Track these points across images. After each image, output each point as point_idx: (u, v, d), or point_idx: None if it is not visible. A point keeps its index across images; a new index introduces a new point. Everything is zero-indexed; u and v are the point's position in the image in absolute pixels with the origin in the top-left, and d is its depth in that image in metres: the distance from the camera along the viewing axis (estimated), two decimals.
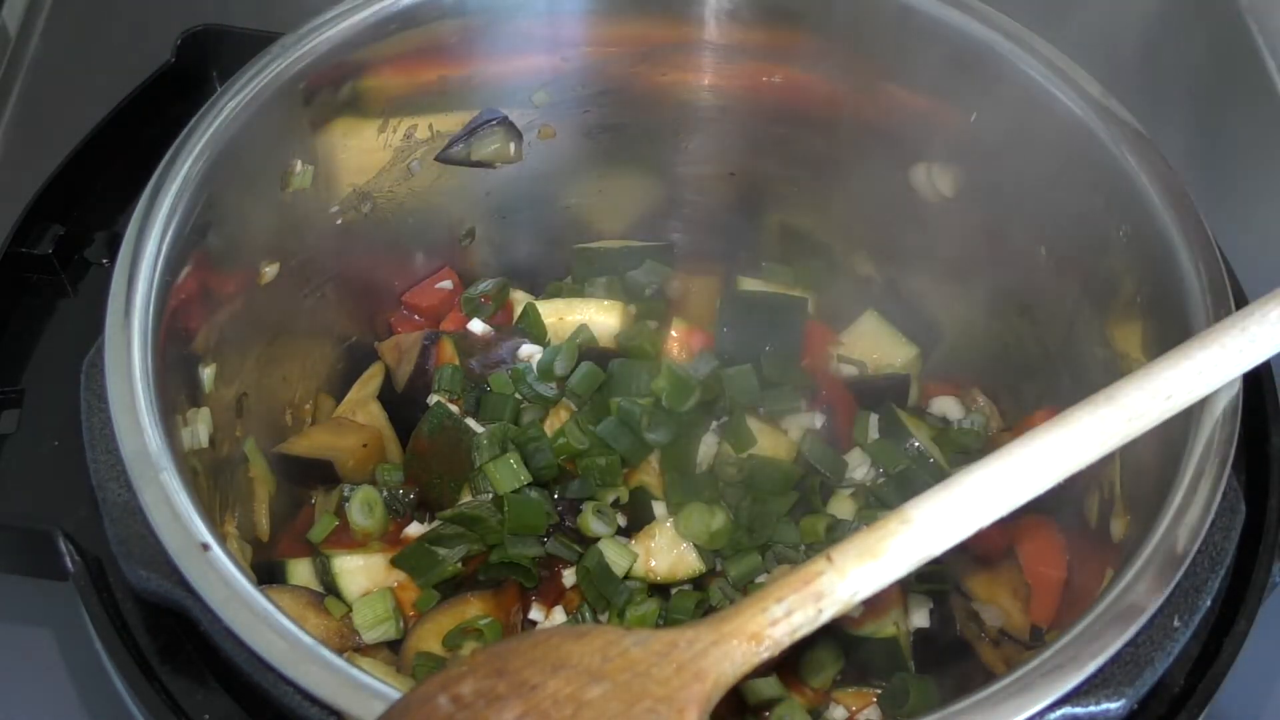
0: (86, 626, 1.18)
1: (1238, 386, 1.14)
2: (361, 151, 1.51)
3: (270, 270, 1.45)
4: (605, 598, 1.44)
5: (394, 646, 1.43)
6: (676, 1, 1.52)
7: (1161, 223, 1.27)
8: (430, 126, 1.55)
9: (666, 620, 1.43)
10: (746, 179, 1.69)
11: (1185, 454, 1.12)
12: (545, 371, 1.56)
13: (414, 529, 1.50)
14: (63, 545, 1.19)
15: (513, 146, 1.61)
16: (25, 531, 1.21)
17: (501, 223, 1.70)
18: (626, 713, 0.90)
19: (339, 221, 1.53)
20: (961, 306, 1.60)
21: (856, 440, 1.59)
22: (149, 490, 1.08)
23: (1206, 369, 1.07)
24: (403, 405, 1.59)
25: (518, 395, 1.55)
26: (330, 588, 1.43)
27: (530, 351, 1.59)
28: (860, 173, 1.58)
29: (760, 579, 1.46)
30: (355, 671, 1.00)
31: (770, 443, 1.57)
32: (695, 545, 1.46)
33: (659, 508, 1.50)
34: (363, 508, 1.48)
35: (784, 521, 1.50)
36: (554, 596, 1.48)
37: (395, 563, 1.44)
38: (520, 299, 1.69)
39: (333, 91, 1.42)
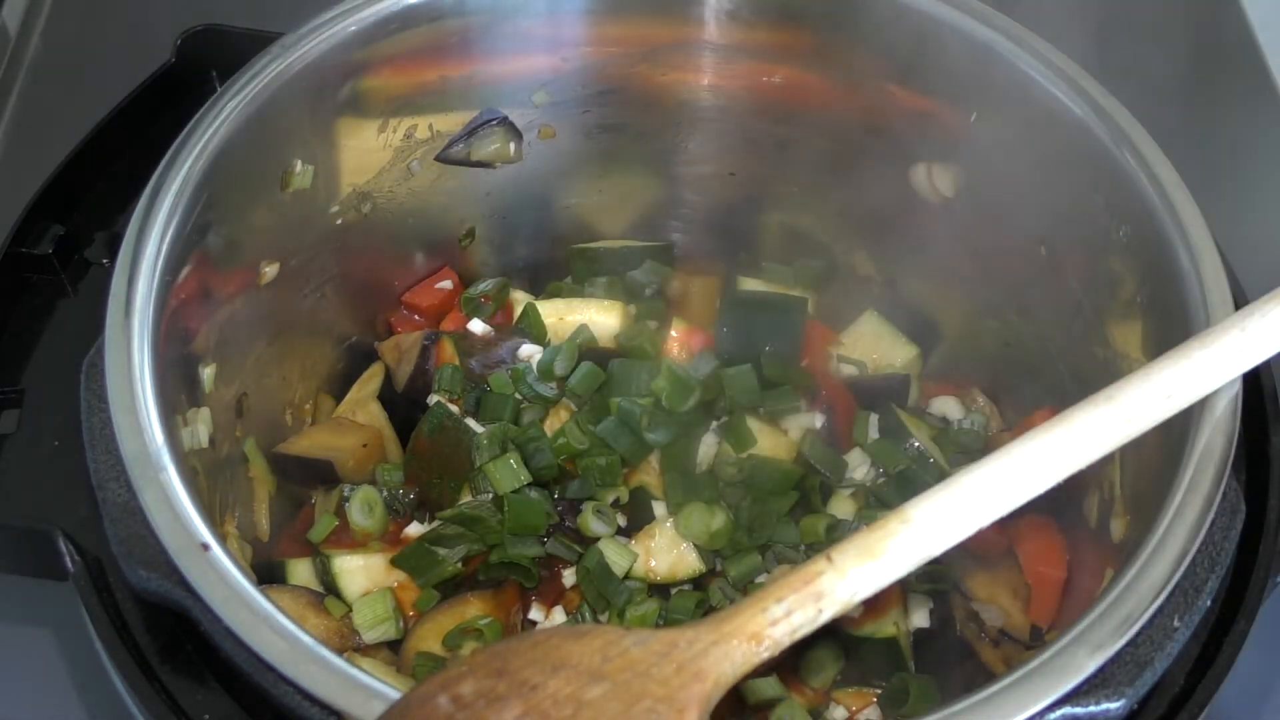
0: (86, 626, 1.19)
1: (1238, 386, 1.14)
2: (361, 151, 1.51)
3: (270, 270, 1.45)
4: (605, 598, 1.44)
5: (394, 646, 1.43)
6: (676, 1, 1.52)
7: (1161, 223, 1.27)
8: (430, 126, 1.55)
9: (666, 620, 1.43)
10: (746, 179, 1.69)
11: (1185, 454, 1.12)
12: (545, 371, 1.56)
13: (414, 529, 1.50)
14: (63, 545, 1.19)
15: (513, 146, 1.61)
16: (25, 531, 1.21)
17: (501, 223, 1.70)
18: (626, 713, 0.90)
19: (339, 221, 1.53)
20: (962, 306, 1.60)
21: (856, 440, 1.59)
22: (149, 490, 1.08)
23: (1206, 369, 1.07)
24: (403, 405, 1.59)
25: (518, 395, 1.55)
26: (330, 588, 1.43)
27: (530, 351, 1.59)
28: (860, 173, 1.58)
29: (760, 579, 1.46)
30: (355, 671, 1.00)
31: (770, 443, 1.57)
32: (695, 545, 1.46)
33: (659, 508, 1.50)
34: (363, 508, 1.49)
35: (784, 521, 1.50)
36: (554, 596, 1.48)
37: (395, 563, 1.44)
38: (520, 299, 1.69)
39: (333, 91, 1.42)
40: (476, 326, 1.63)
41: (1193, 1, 2.15)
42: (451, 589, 1.45)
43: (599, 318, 1.63)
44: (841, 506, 1.54)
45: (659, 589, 1.47)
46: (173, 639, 1.15)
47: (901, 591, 1.46)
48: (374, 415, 1.60)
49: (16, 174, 1.80)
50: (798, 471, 1.54)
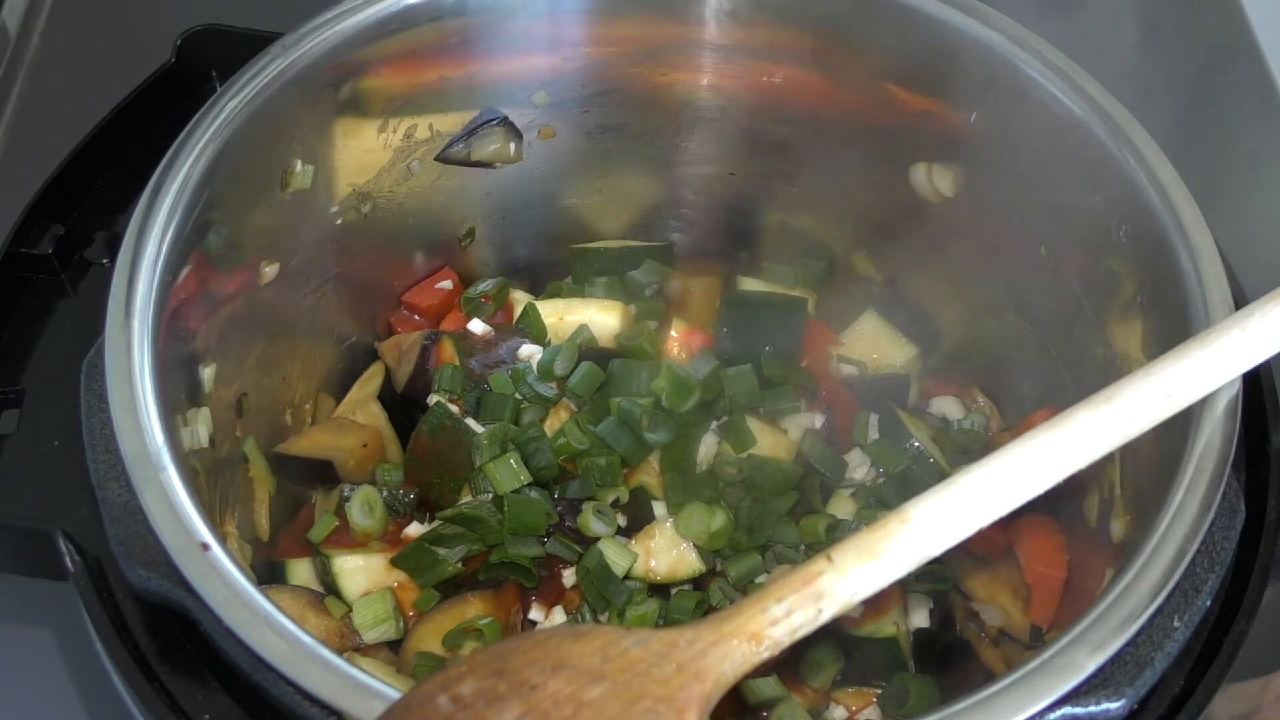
0: (86, 626, 1.19)
1: (1238, 386, 1.14)
2: (361, 151, 1.51)
3: (270, 270, 1.45)
4: (605, 598, 1.44)
5: (394, 646, 1.43)
6: (676, 1, 1.51)
7: (1161, 223, 1.27)
8: (430, 126, 1.55)
9: (666, 620, 1.43)
10: (746, 179, 1.69)
11: (1185, 454, 1.12)
12: (545, 371, 1.56)
13: (414, 529, 1.50)
14: (63, 545, 1.19)
15: (513, 146, 1.61)
16: (25, 531, 1.21)
17: (501, 223, 1.70)
18: (626, 713, 0.90)
19: (339, 221, 1.53)
20: (961, 306, 1.60)
21: (856, 440, 1.59)
22: (149, 490, 1.08)
23: (1206, 369, 1.07)
24: (403, 405, 1.59)
25: (518, 395, 1.55)
26: (330, 588, 1.43)
27: (530, 351, 1.59)
28: (860, 173, 1.58)
29: (760, 579, 1.46)
30: (355, 671, 1.00)
31: (770, 443, 1.57)
32: (695, 545, 1.46)
33: (659, 508, 1.50)
34: (363, 508, 1.49)
35: (784, 521, 1.50)
36: (554, 596, 1.48)
37: (395, 563, 1.44)
38: (520, 299, 1.69)
39: (333, 91, 1.42)
40: (476, 326, 1.63)
41: (1193, 1, 2.15)
42: (451, 589, 1.45)
43: (599, 318, 1.63)
44: (841, 506, 1.54)
45: (659, 589, 1.47)
46: (173, 639, 1.15)
47: (901, 591, 1.46)
48: (374, 415, 1.60)
49: (16, 174, 1.80)
50: (798, 471, 1.55)
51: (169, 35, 1.57)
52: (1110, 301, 1.36)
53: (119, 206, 1.45)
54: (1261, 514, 1.25)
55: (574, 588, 1.48)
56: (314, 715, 1.02)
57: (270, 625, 1.02)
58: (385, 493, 1.52)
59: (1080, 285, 1.41)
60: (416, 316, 1.69)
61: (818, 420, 1.61)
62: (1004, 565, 1.45)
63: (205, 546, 1.05)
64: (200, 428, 1.30)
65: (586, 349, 1.58)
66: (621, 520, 1.50)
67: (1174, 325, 1.22)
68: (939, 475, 1.45)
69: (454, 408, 1.52)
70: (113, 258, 1.23)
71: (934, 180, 1.53)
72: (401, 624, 1.42)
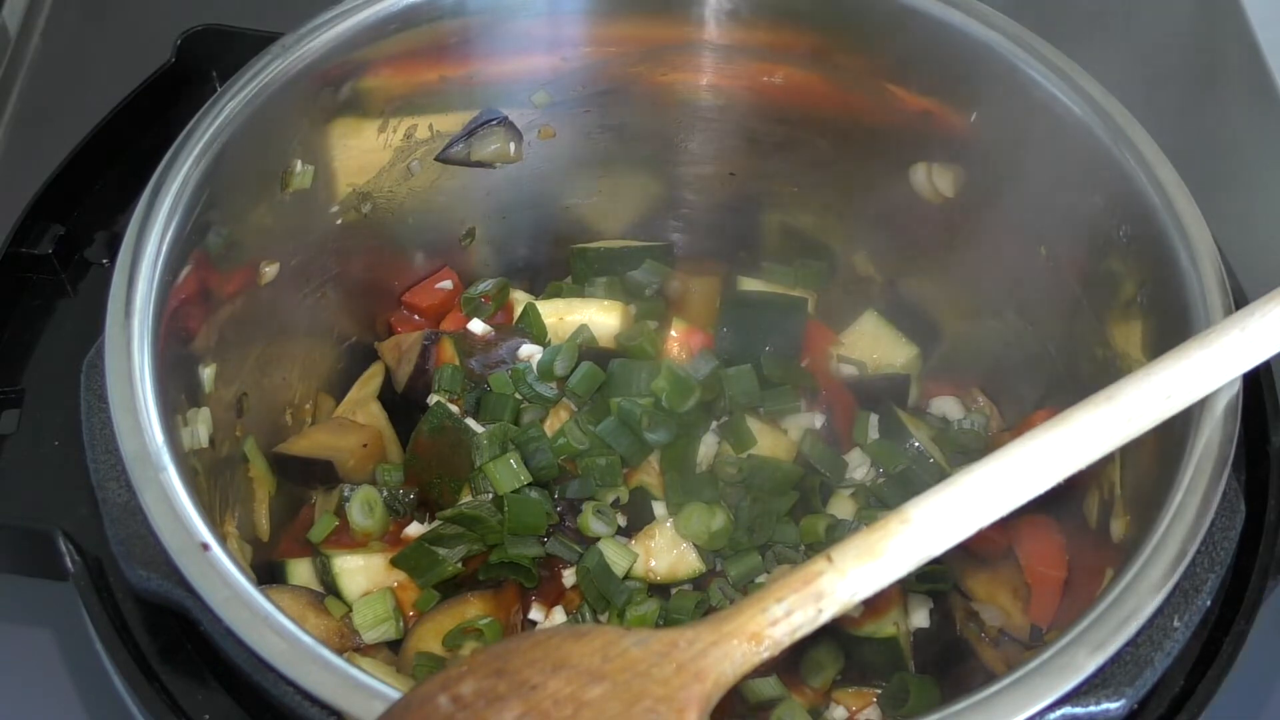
0: (86, 626, 1.19)
1: (1238, 386, 1.14)
2: (361, 151, 1.51)
3: (270, 270, 1.45)
4: (605, 598, 1.44)
5: (394, 646, 1.43)
6: (676, 1, 1.51)
7: (1161, 223, 1.27)
8: (430, 126, 1.55)
9: (666, 620, 1.43)
10: (746, 179, 1.69)
11: (1185, 454, 1.12)
12: (545, 371, 1.56)
13: (414, 529, 1.50)
14: (63, 545, 1.19)
15: (513, 146, 1.61)
16: (25, 531, 1.22)
17: (501, 223, 1.70)
18: (626, 713, 0.90)
19: (339, 221, 1.53)
20: (961, 306, 1.60)
21: (856, 440, 1.59)
22: (149, 490, 1.08)
23: (1206, 369, 1.07)
24: (403, 405, 1.59)
25: (518, 395, 1.55)
26: (330, 588, 1.43)
27: (530, 351, 1.59)
28: (860, 173, 1.58)
29: (760, 579, 1.47)
30: (355, 671, 1.00)
31: (770, 443, 1.57)
32: (695, 545, 1.46)
33: (659, 508, 1.50)
34: (363, 508, 1.49)
35: (784, 521, 1.50)
36: (554, 596, 1.48)
37: (395, 563, 1.44)
38: (520, 299, 1.69)
39: (333, 91, 1.42)
40: (476, 326, 1.63)
41: (1193, 1, 2.15)
42: (451, 589, 1.45)
43: (599, 318, 1.63)
44: (841, 506, 1.55)
45: (659, 589, 1.47)
46: (173, 639, 1.15)
47: (901, 591, 1.46)
48: (374, 415, 1.60)
49: (16, 174, 1.80)
50: (798, 471, 1.55)
51: (169, 35, 1.57)
52: (1110, 301, 1.36)
53: (119, 206, 1.45)
54: (1261, 514, 1.25)
55: (574, 588, 1.48)
56: (314, 715, 1.02)
57: (270, 625, 1.02)
58: (385, 493, 1.52)
59: (1080, 285, 1.41)
60: (416, 316, 1.69)
61: (818, 420, 1.61)
62: (1004, 565, 1.46)
63: (205, 546, 1.05)
64: (200, 428, 1.30)
65: (586, 349, 1.58)
66: (621, 520, 1.50)
67: (1174, 325, 1.22)
68: (939, 475, 1.45)
69: (454, 408, 1.52)
70: (113, 258, 1.23)
71: (934, 180, 1.53)
72: (401, 624, 1.42)
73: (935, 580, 1.46)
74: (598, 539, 1.46)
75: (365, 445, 1.54)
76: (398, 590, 1.44)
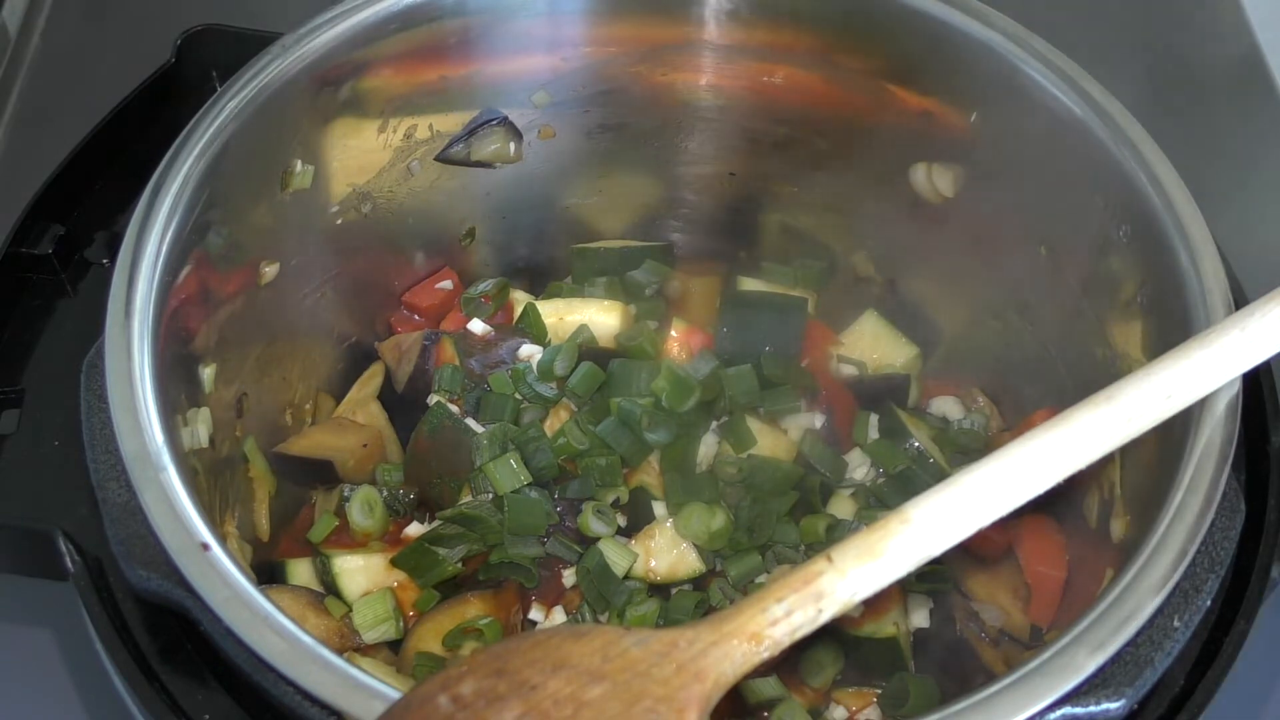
0: (86, 626, 1.19)
1: (1238, 386, 1.14)
2: (361, 151, 1.51)
3: (270, 270, 1.45)
4: (605, 598, 1.44)
5: (394, 646, 1.43)
6: (676, 1, 1.51)
7: (1161, 223, 1.27)
8: (430, 126, 1.55)
9: (666, 620, 1.43)
10: (746, 179, 1.69)
11: (1185, 454, 1.12)
12: (545, 371, 1.56)
13: (414, 529, 1.50)
14: (63, 545, 1.19)
15: (513, 146, 1.61)
16: (25, 531, 1.22)
17: (501, 223, 1.70)
18: (626, 713, 0.90)
19: (339, 221, 1.53)
20: (961, 306, 1.60)
21: (856, 440, 1.59)
22: (149, 490, 1.08)
23: (1206, 369, 1.07)
24: (403, 405, 1.59)
25: (518, 395, 1.55)
26: (330, 588, 1.43)
27: (530, 351, 1.59)
28: (860, 173, 1.58)
29: (760, 579, 1.46)
30: (355, 671, 1.00)
31: (770, 443, 1.57)
32: (695, 545, 1.46)
33: (659, 508, 1.50)
34: (363, 508, 1.49)
35: (784, 521, 1.50)
36: (554, 596, 1.48)
37: (395, 563, 1.44)
38: (520, 299, 1.69)
39: (333, 91, 1.42)
40: (476, 326, 1.63)
41: (1192, 1, 2.15)
42: (451, 589, 1.45)
43: (599, 318, 1.63)
44: (841, 506, 1.55)
45: (659, 589, 1.47)
46: (173, 639, 1.15)
47: (901, 591, 1.46)
48: (374, 415, 1.60)
49: (16, 174, 1.80)
50: (798, 471, 1.55)
51: (169, 35, 1.57)
52: (1110, 301, 1.36)
53: (119, 206, 1.45)
54: (1261, 514, 1.25)
55: (574, 588, 1.48)
56: (314, 715, 1.02)
57: (270, 625, 1.02)
58: (385, 493, 1.52)
59: (1080, 285, 1.41)
60: (416, 316, 1.69)
61: (818, 420, 1.61)
62: (1004, 565, 1.45)
63: (205, 546, 1.05)
64: (200, 428, 1.30)
65: (586, 349, 1.58)
66: (621, 520, 1.50)
67: (1174, 325, 1.22)
68: (939, 475, 1.45)
69: (454, 408, 1.52)
70: (113, 258, 1.23)
71: (934, 180, 1.53)
72: (401, 624, 1.42)
73: (935, 580, 1.46)
74: (598, 539, 1.46)
75: (365, 445, 1.54)
76: (398, 590, 1.44)
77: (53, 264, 1.41)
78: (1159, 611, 1.05)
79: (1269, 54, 2.06)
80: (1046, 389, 1.50)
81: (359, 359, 1.66)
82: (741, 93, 1.59)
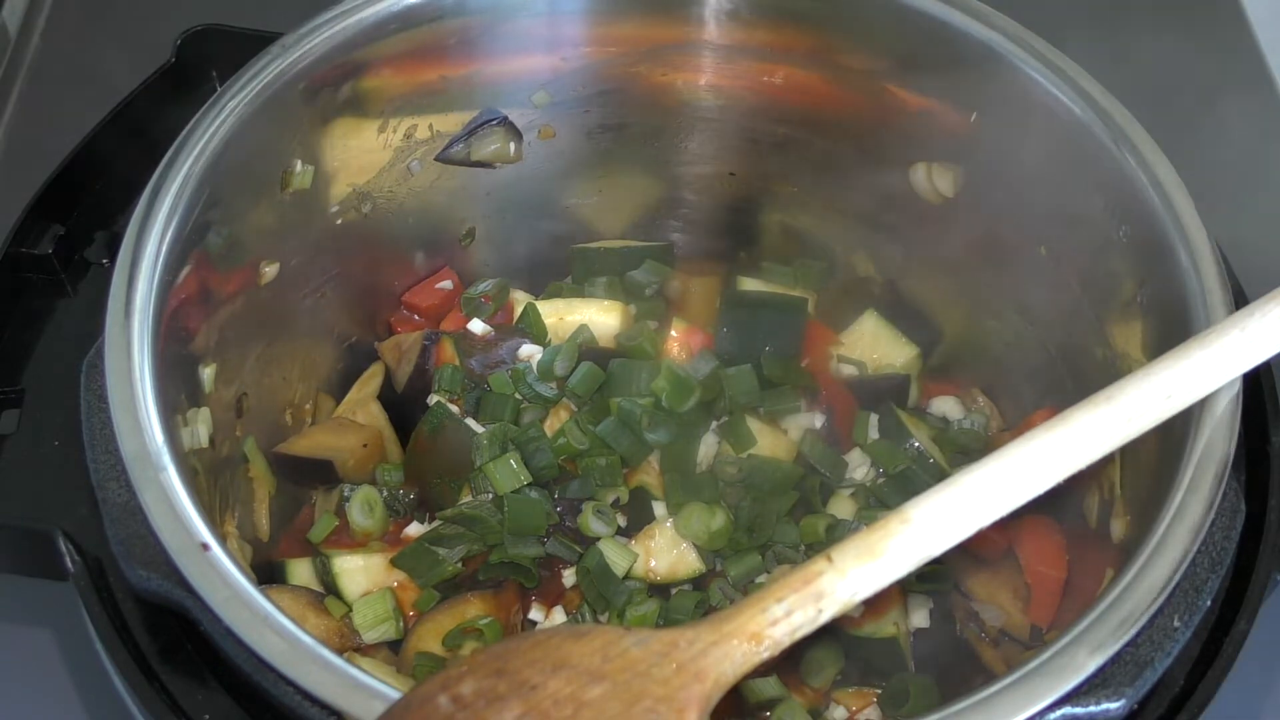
0: (86, 626, 1.19)
1: (1238, 386, 1.14)
2: (361, 151, 1.51)
3: (270, 270, 1.45)
4: (605, 598, 1.44)
5: (394, 646, 1.43)
6: (676, 1, 1.51)
7: (1161, 223, 1.27)
8: (430, 126, 1.55)
9: (666, 620, 1.43)
10: (746, 179, 1.69)
11: (1185, 454, 1.12)
12: (545, 371, 1.56)
13: (414, 529, 1.50)
14: (63, 545, 1.19)
15: (513, 146, 1.61)
16: (25, 531, 1.21)
17: (501, 223, 1.70)
18: (626, 713, 0.90)
19: (339, 221, 1.53)
20: (961, 306, 1.60)
21: (856, 440, 1.59)
22: (149, 490, 1.08)
23: (1206, 369, 1.07)
24: (403, 405, 1.59)
25: (518, 395, 1.55)
26: (330, 588, 1.43)
27: (530, 351, 1.59)
28: (860, 173, 1.58)
29: (760, 579, 1.46)
30: (355, 671, 1.00)
31: (770, 443, 1.57)
32: (695, 545, 1.46)
33: (659, 508, 1.50)
34: (363, 508, 1.49)
35: (784, 521, 1.50)
36: (554, 596, 1.48)
37: (395, 563, 1.44)
38: (520, 299, 1.69)
39: (333, 91, 1.42)
40: (476, 326, 1.63)
41: (1193, 1, 2.15)
42: (451, 589, 1.45)
43: (599, 318, 1.63)
44: (841, 506, 1.55)
45: (659, 589, 1.47)
46: (173, 639, 1.15)
47: (901, 591, 1.46)
48: (374, 415, 1.60)
49: (16, 174, 1.80)
50: (798, 471, 1.55)
51: (169, 35, 1.57)
52: (1110, 301, 1.36)
53: (119, 206, 1.45)
54: (1261, 514, 1.25)
55: (574, 588, 1.48)
56: (314, 715, 1.02)
57: (270, 625, 1.02)
58: (385, 493, 1.52)
59: (1080, 285, 1.41)
60: (416, 316, 1.69)
61: (818, 420, 1.61)
62: (1004, 565, 1.46)
63: (205, 546, 1.05)
64: (200, 428, 1.30)
65: (586, 349, 1.58)
66: (621, 520, 1.50)
67: (1174, 325, 1.22)
68: (939, 475, 1.45)
69: (454, 408, 1.52)
70: (113, 258, 1.23)
71: (934, 180, 1.53)
72: (401, 624, 1.42)
73: (935, 580, 1.46)
74: (598, 539, 1.46)
75: (365, 445, 1.54)
76: (398, 590, 1.44)
77: (53, 264, 1.41)
78: (1159, 611, 1.05)
79: (1269, 54, 2.06)
80: (1046, 389, 1.50)
81: (359, 359, 1.66)
82: (741, 93, 1.59)
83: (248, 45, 1.41)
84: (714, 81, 1.59)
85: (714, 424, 1.58)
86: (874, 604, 1.41)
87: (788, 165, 1.64)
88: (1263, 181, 1.93)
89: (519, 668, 0.92)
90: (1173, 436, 1.14)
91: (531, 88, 1.57)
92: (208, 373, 1.34)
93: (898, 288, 1.67)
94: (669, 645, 0.95)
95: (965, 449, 1.55)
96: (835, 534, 1.47)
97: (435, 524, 1.48)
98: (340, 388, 1.64)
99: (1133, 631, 1.02)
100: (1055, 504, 1.33)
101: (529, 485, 1.47)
